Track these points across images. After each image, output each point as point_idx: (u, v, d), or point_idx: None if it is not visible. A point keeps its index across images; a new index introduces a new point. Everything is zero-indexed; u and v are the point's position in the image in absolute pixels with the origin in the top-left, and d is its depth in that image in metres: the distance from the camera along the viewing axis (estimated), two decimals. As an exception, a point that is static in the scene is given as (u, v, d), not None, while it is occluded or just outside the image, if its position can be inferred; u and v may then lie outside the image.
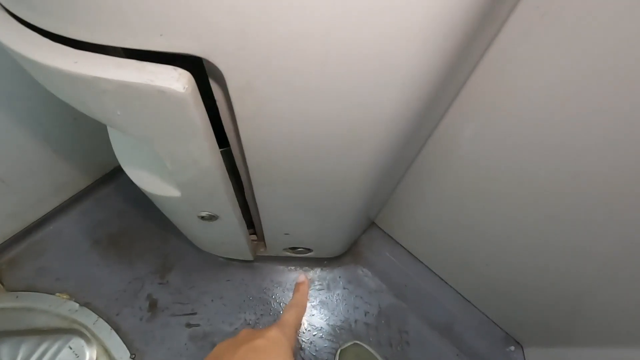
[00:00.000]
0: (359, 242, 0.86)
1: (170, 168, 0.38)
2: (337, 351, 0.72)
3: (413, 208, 0.72)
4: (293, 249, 0.75)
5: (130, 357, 0.72)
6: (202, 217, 0.49)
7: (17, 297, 0.75)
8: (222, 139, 0.37)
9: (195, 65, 0.28)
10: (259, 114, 0.30)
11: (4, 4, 0.26)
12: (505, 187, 0.52)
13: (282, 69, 0.25)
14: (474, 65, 0.39)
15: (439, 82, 0.29)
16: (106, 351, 0.72)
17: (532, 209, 0.52)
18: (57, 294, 0.76)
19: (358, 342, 0.73)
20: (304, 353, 0.74)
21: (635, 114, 0.32)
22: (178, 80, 0.25)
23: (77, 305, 0.75)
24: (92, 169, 0.83)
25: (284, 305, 0.79)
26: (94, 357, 0.71)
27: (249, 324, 0.77)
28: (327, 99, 0.28)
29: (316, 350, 0.74)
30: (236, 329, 0.76)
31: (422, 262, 0.83)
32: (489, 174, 0.52)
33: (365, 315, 0.80)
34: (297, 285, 0.35)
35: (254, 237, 0.75)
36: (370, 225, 0.88)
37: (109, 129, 0.48)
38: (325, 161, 0.38)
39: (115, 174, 0.89)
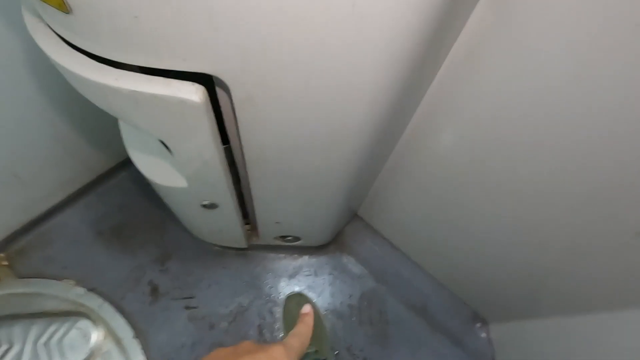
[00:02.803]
0: (343, 232, 0.95)
1: (180, 162, 0.45)
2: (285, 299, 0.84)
3: (391, 201, 0.81)
4: (283, 237, 0.83)
5: (134, 337, 0.78)
6: (204, 206, 0.57)
7: (27, 283, 0.81)
8: (224, 138, 0.45)
9: (206, 80, 0.35)
10: (256, 120, 0.38)
11: (60, 34, 0.33)
12: (471, 178, 0.59)
13: (275, 86, 0.33)
14: (436, 72, 0.46)
15: (399, 97, 0.37)
16: (112, 332, 0.78)
17: (495, 198, 0.59)
18: (65, 280, 0.82)
19: (302, 292, 0.84)
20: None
21: (597, 114, 0.37)
22: (195, 93, 0.33)
23: (84, 290, 0.81)
24: (96, 165, 0.89)
25: (274, 290, 0.87)
26: (101, 337, 0.77)
27: (243, 306, 0.84)
28: (310, 109, 0.36)
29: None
30: (231, 311, 0.84)
31: (400, 250, 0.92)
32: (456, 168, 0.60)
33: (349, 297, 0.88)
34: (302, 315, 0.34)
35: (248, 226, 0.83)
36: (354, 216, 0.96)
37: (122, 131, 0.55)
38: (310, 159, 0.46)
39: (117, 170, 0.95)
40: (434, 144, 0.59)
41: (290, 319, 0.82)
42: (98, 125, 0.80)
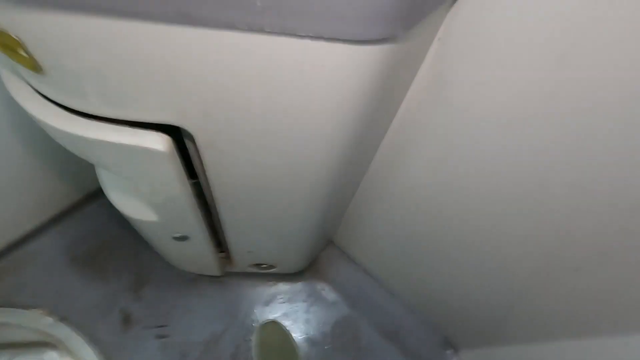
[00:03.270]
0: (318, 259, 0.97)
1: (149, 199, 0.47)
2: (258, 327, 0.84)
3: (363, 228, 0.84)
4: (258, 265, 0.84)
5: (103, 368, 0.77)
6: (175, 238, 0.58)
7: (-7, 312, 0.79)
8: (193, 172, 0.47)
9: (173, 127, 0.38)
10: (220, 162, 0.41)
11: (33, 86, 0.35)
12: (438, 208, 0.62)
13: (234, 134, 0.36)
14: (392, 117, 0.50)
15: (353, 143, 0.40)
16: (80, 363, 0.77)
17: (462, 227, 0.62)
18: (33, 309, 0.81)
19: (276, 320, 0.85)
20: None
21: (573, 135, 0.37)
22: (161, 143, 0.35)
23: (52, 319, 0.80)
24: (73, 190, 0.89)
25: (249, 317, 0.87)
26: (67, 369, 0.76)
27: (217, 334, 0.84)
28: (269, 154, 0.39)
29: (277, 357, 0.83)
30: (204, 339, 0.84)
31: (373, 276, 0.94)
32: (422, 198, 0.63)
33: (324, 324, 0.89)
34: None
35: (222, 254, 0.84)
36: (329, 244, 0.98)
37: (96, 168, 0.57)
38: (275, 196, 0.49)
39: (94, 196, 0.95)
40: (400, 176, 0.62)
41: (264, 348, 0.82)
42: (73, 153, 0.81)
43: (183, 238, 0.58)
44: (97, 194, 0.95)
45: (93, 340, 0.79)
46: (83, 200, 0.93)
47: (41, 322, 0.79)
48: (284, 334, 0.85)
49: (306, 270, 0.94)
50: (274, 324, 0.86)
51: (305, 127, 0.34)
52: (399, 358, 0.87)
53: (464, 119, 0.44)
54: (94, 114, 0.34)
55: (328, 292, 0.93)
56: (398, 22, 0.25)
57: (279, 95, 0.30)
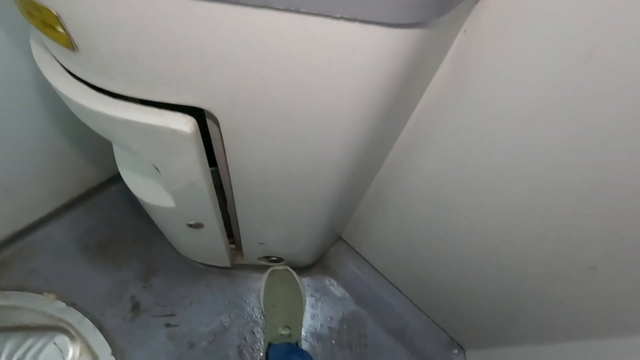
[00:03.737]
0: (326, 255, 0.97)
1: (169, 183, 0.48)
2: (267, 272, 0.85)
3: (373, 226, 0.84)
4: (267, 258, 0.84)
5: (112, 354, 0.78)
6: (190, 225, 0.59)
7: (6, 295, 0.80)
8: (212, 160, 0.48)
9: (197, 109, 0.38)
10: (242, 148, 0.41)
11: (65, 65, 0.36)
12: (448, 209, 0.62)
13: (259, 120, 0.37)
14: (411, 112, 0.51)
15: (373, 134, 0.41)
16: (89, 348, 0.78)
17: (472, 227, 0.62)
18: (45, 293, 0.82)
19: (289, 268, 0.85)
20: (273, 352, 0.82)
21: (594, 134, 0.37)
22: (186, 125, 0.36)
23: (64, 304, 0.81)
24: (86, 179, 0.90)
25: (256, 310, 0.87)
26: (77, 354, 0.77)
27: (224, 325, 0.85)
28: (291, 142, 0.39)
29: (283, 350, 0.83)
30: (211, 330, 0.84)
31: (381, 274, 0.94)
32: (433, 198, 0.63)
33: (330, 320, 0.89)
34: None
35: (232, 246, 0.84)
36: (338, 239, 0.99)
37: (115, 150, 0.58)
38: (293, 185, 0.49)
39: (107, 185, 0.96)
40: (413, 174, 0.62)
41: (271, 294, 0.82)
42: (91, 140, 0.82)
43: (198, 225, 0.59)
44: (109, 183, 0.96)
45: (102, 326, 0.80)
46: (96, 188, 0.94)
47: (53, 306, 0.81)
48: (293, 281, 0.85)
49: (314, 265, 0.95)
50: (285, 272, 0.85)
51: (331, 112, 0.35)
52: (405, 356, 0.87)
53: (484, 115, 0.44)
54: (123, 94, 0.35)
55: (335, 288, 0.94)
56: (432, 8, 0.25)
57: (308, 78, 0.31)
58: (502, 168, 0.48)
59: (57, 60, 0.37)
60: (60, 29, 0.29)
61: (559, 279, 0.52)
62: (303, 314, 0.84)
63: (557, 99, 0.37)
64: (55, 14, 0.27)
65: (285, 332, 0.76)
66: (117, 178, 0.97)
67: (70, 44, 0.30)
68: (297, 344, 0.78)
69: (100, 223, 0.93)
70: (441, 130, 0.50)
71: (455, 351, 0.88)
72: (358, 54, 0.28)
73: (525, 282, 0.59)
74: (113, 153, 0.58)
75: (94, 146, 0.84)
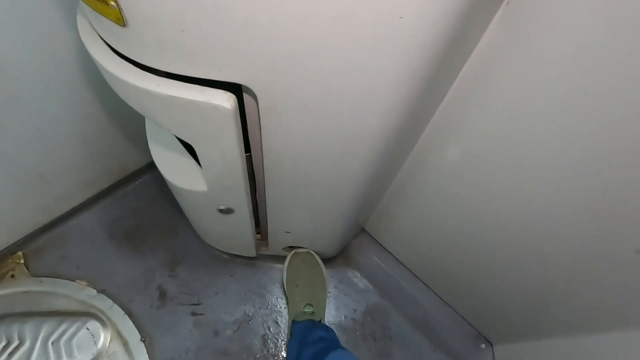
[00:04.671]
0: (350, 246, 0.96)
1: (204, 165, 0.48)
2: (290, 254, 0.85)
3: (397, 217, 0.83)
4: (291, 248, 0.85)
5: (141, 340, 0.80)
6: (221, 210, 0.59)
7: (41, 282, 0.83)
8: (246, 146, 0.48)
9: (234, 89, 0.39)
10: (278, 127, 0.42)
11: (110, 43, 0.37)
12: (478, 199, 0.61)
13: (298, 96, 0.37)
14: (447, 90, 0.50)
15: (409, 111, 0.40)
16: (119, 334, 0.80)
17: (501, 218, 0.60)
18: (77, 280, 0.84)
19: (311, 251, 0.85)
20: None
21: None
22: (227, 101, 0.36)
23: (95, 291, 0.83)
24: (117, 170, 0.93)
25: (280, 300, 0.88)
26: (108, 339, 0.79)
27: (248, 315, 0.85)
28: (328, 118, 0.39)
29: (308, 340, 0.83)
30: (236, 319, 0.85)
31: (405, 266, 0.93)
32: (462, 188, 0.62)
33: (353, 312, 0.89)
34: None
35: (258, 236, 0.85)
36: (361, 231, 0.98)
37: (148, 138, 0.59)
38: (325, 168, 0.49)
39: (134, 176, 0.98)
40: (442, 163, 0.61)
41: (294, 275, 0.83)
42: (123, 131, 0.84)
43: (229, 211, 0.59)
44: (140, 173, 0.98)
45: (131, 312, 0.82)
46: (125, 180, 0.97)
47: (84, 292, 0.83)
48: (315, 262, 0.85)
49: (338, 256, 0.94)
50: (308, 254, 0.85)
51: (372, 83, 0.35)
52: (430, 349, 0.86)
53: (524, 94, 0.43)
54: (166, 70, 0.35)
55: (359, 280, 0.93)
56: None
57: (352, 45, 0.30)
58: (541, 154, 0.47)
59: (103, 40, 0.38)
60: (112, 2, 0.29)
61: (601, 264, 0.50)
62: (326, 296, 0.84)
63: (603, 77, 0.35)
64: (109, -14, 0.28)
65: (308, 309, 0.76)
66: (144, 170, 0.99)
67: (120, 18, 0.31)
68: (320, 321, 0.77)
69: (128, 213, 0.95)
70: (478, 110, 0.49)
71: (483, 346, 0.86)
72: (405, 21, 0.28)
73: (562, 268, 0.57)
74: (143, 144, 0.60)
75: (125, 138, 0.86)
